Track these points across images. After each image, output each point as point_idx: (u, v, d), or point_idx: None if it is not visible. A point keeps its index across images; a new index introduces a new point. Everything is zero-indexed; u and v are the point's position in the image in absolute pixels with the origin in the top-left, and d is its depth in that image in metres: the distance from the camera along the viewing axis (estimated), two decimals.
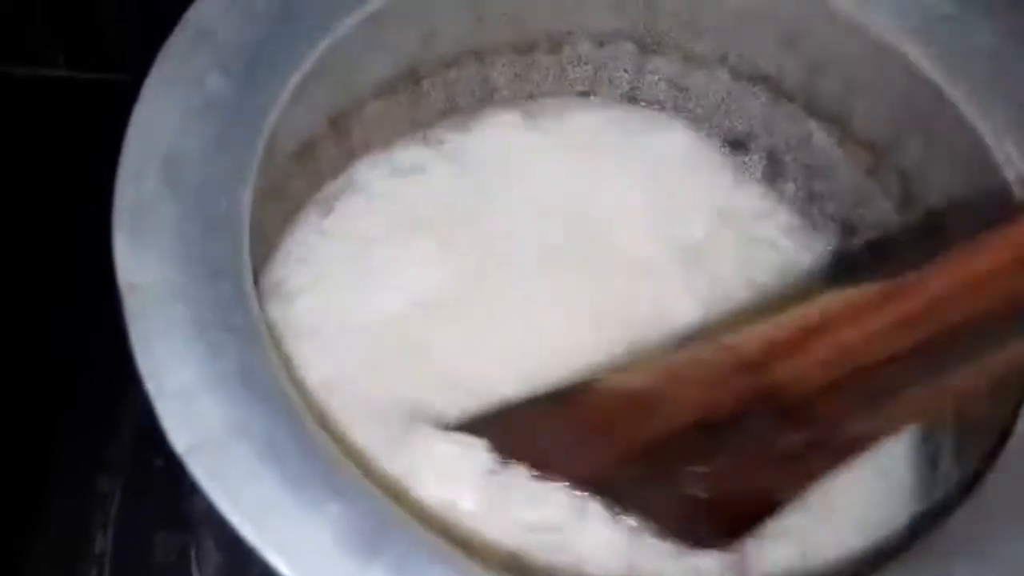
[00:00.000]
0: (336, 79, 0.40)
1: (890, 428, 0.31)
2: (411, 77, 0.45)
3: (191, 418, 0.27)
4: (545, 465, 0.34)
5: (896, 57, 0.40)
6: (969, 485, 0.31)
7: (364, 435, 0.35)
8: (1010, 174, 0.36)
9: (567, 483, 0.34)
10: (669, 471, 0.33)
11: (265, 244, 0.42)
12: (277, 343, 0.36)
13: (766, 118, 0.46)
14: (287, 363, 0.34)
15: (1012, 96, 0.37)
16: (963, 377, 0.29)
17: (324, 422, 0.34)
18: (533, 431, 0.35)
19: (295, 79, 0.35)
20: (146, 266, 0.29)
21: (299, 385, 0.34)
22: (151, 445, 0.41)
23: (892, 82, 0.41)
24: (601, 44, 0.47)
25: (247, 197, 0.32)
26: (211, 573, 0.42)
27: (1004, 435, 0.32)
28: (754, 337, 0.32)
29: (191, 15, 0.34)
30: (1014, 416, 0.32)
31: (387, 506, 0.27)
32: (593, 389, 0.35)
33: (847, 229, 0.45)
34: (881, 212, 0.44)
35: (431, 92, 0.46)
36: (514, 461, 0.34)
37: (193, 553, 0.44)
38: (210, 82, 0.33)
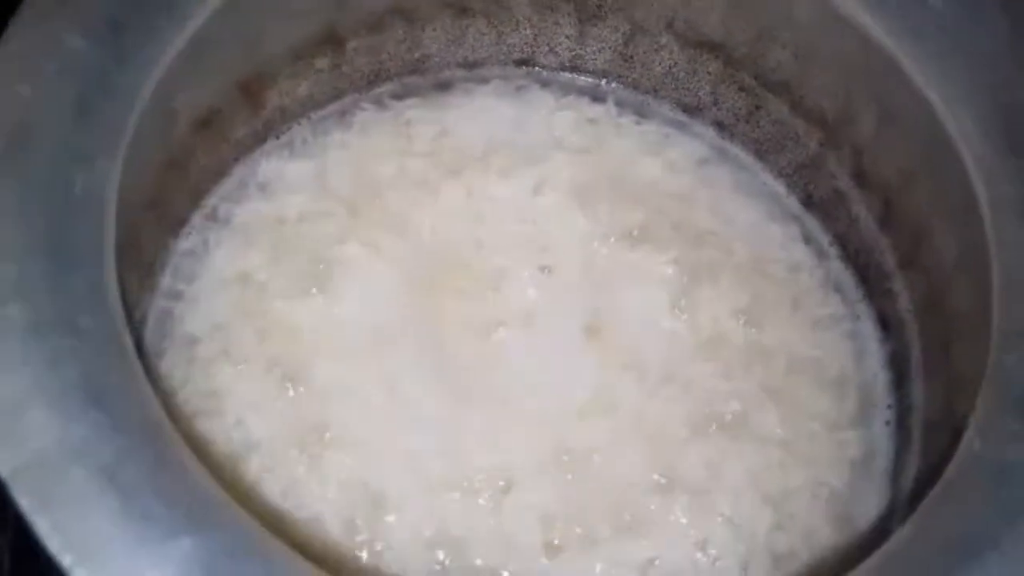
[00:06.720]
0: (238, 43, 0.36)
1: None
2: (331, 41, 0.41)
3: (20, 436, 0.23)
4: None
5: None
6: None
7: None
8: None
9: None
10: None
11: (172, 220, 0.38)
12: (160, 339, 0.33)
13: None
14: (154, 365, 0.30)
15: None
16: None
17: (197, 439, 0.31)
18: None
19: (177, 44, 0.31)
20: None
21: (166, 393, 0.30)
22: None
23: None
24: (541, 9, 0.43)
25: (113, 174, 0.28)
26: None
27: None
28: None
29: None
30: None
31: (254, 537, 0.24)
32: None
33: None
34: None
35: (355, 58, 0.42)
36: None
37: None
38: (70, 44, 0.28)
